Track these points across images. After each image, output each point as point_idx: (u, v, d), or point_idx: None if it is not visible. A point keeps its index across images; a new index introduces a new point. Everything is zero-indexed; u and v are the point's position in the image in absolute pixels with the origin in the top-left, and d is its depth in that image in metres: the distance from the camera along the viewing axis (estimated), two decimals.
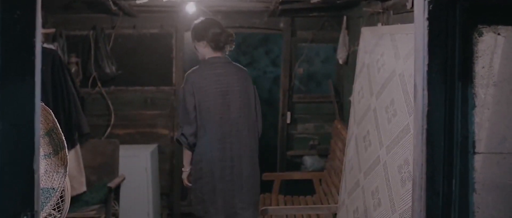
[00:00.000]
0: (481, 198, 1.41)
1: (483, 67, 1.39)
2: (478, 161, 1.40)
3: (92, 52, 4.70)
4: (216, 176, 3.19)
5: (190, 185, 3.30)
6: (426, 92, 1.36)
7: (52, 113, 1.59)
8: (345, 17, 4.48)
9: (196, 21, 3.32)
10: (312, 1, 3.89)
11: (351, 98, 3.68)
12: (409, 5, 2.75)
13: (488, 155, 1.41)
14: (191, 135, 3.16)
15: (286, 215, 3.93)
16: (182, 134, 3.18)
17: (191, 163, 3.27)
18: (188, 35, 4.94)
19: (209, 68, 3.22)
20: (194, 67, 3.27)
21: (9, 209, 1.12)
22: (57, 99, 3.67)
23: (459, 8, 1.37)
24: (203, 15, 3.63)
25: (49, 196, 1.51)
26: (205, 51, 3.27)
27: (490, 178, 1.41)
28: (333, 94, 4.95)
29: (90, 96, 4.81)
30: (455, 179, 1.39)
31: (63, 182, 1.54)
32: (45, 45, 3.81)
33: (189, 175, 3.31)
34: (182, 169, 3.35)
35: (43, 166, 1.52)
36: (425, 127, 1.37)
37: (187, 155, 3.26)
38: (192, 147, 3.20)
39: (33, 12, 1.16)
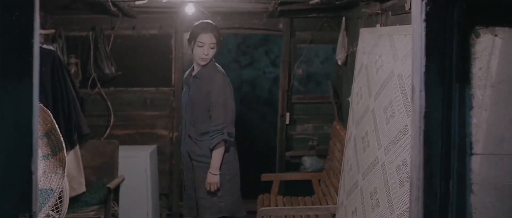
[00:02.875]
0: (479, 199, 1.41)
1: (481, 68, 1.39)
2: (475, 162, 1.40)
3: (92, 53, 4.70)
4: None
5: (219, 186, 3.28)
6: (423, 93, 1.37)
7: (50, 114, 1.59)
8: (344, 18, 4.48)
9: (210, 25, 3.36)
10: (311, 2, 3.90)
11: (349, 99, 3.68)
12: (407, 6, 2.75)
13: (485, 156, 1.41)
14: (233, 135, 3.27)
15: (285, 216, 3.93)
16: (229, 134, 3.20)
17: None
18: (187, 36, 4.94)
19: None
20: (220, 67, 3.36)
21: (7, 210, 1.12)
22: (56, 100, 3.67)
23: (457, 9, 1.37)
24: (202, 16, 3.65)
25: (48, 197, 1.52)
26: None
27: (487, 179, 1.41)
28: (332, 95, 4.95)
29: (90, 97, 4.81)
30: (452, 180, 1.40)
31: (62, 183, 1.54)
32: (45, 46, 3.81)
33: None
34: (214, 172, 3.23)
35: (42, 167, 1.52)
36: (422, 128, 1.37)
37: (222, 156, 3.24)
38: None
39: (31, 13, 1.16)
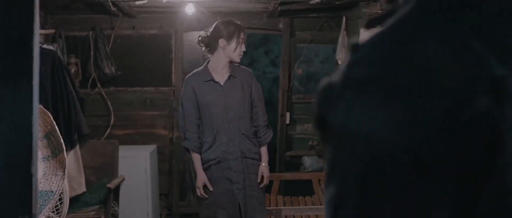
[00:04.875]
0: None
1: None
2: None
3: (92, 53, 4.70)
4: None
5: None
6: None
7: (50, 115, 1.59)
8: (344, 18, 4.48)
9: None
10: (311, 2, 3.90)
11: None
12: None
13: None
14: None
15: (285, 216, 3.93)
16: None
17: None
18: (187, 36, 4.95)
19: None
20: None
21: (6, 213, 1.12)
22: (56, 100, 3.67)
23: None
24: (202, 17, 3.62)
25: (48, 198, 1.51)
26: None
27: None
28: None
29: (90, 97, 4.81)
30: None
31: (62, 184, 1.54)
32: (45, 46, 3.81)
33: None
34: (268, 166, 3.31)
35: (42, 168, 1.52)
36: None
37: None
38: None
39: (31, 14, 1.15)
